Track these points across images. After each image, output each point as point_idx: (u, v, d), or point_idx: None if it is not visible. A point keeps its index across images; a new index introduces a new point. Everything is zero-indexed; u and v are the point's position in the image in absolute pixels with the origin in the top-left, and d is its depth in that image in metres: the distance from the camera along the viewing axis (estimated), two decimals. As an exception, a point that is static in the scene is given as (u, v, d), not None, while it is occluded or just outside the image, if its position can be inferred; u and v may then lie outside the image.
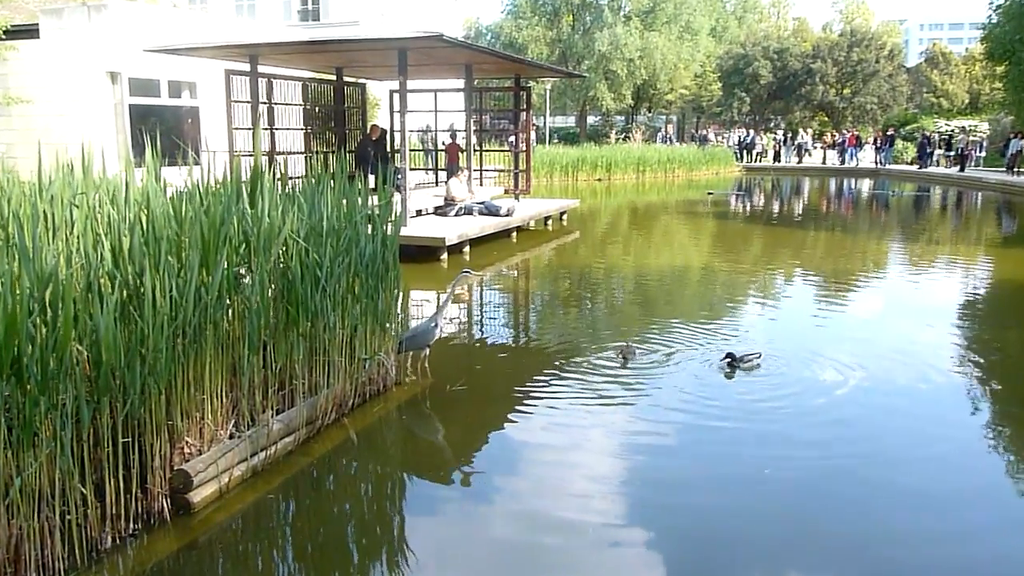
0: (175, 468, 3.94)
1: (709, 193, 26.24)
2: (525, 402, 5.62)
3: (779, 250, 13.35)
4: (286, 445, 4.64)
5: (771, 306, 8.78)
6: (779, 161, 39.49)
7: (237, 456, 4.23)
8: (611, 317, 8.49)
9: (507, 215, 14.72)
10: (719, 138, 41.92)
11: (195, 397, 4.15)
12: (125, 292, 3.91)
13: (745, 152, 39.93)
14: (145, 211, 4.34)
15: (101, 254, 4.00)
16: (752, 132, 41.58)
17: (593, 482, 4.25)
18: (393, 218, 5.86)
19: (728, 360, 6.12)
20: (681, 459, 4.58)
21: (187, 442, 4.09)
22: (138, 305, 3.86)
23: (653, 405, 5.46)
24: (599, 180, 31.55)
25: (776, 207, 22.43)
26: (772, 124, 49.14)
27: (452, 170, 17.52)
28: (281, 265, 4.90)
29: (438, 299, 9.29)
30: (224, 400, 4.35)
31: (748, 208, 22.11)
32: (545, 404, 5.57)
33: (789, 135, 41.23)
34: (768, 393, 5.58)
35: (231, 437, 4.31)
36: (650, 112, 49.85)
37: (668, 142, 40.13)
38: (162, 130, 14.43)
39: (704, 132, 43.15)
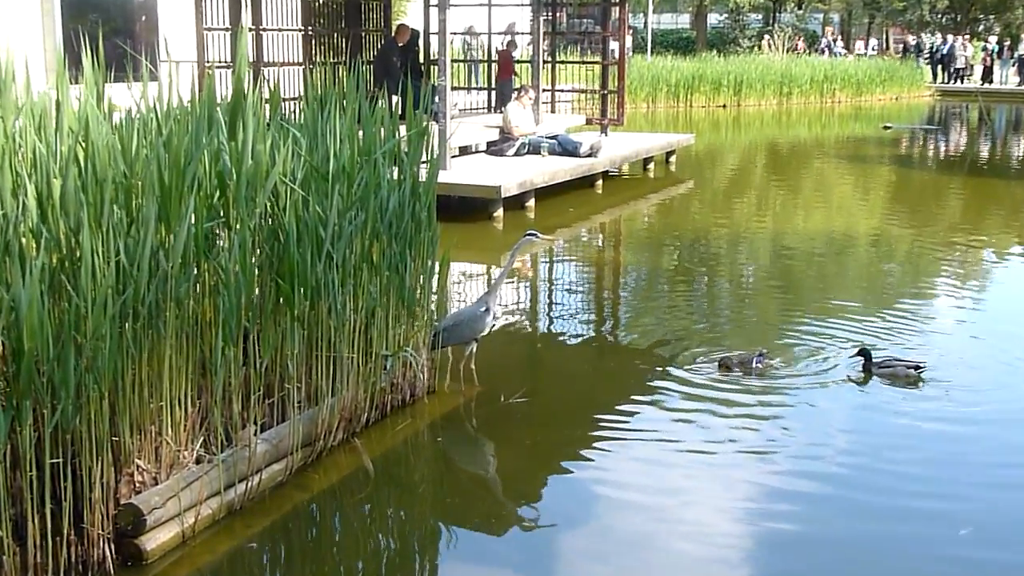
0: (122, 502, 3.99)
1: (886, 127, 25.82)
2: (609, 425, 5.76)
3: (988, 213, 13.39)
4: (274, 475, 4.74)
5: (972, 297, 8.88)
6: (990, 81, 38.55)
7: (207, 488, 4.29)
8: (737, 306, 8.71)
9: (589, 155, 14.77)
10: (905, 47, 40.79)
11: (150, 404, 4.22)
12: (55, 256, 3.97)
13: (941, 68, 38.84)
14: (83, 144, 4.30)
15: (23, 203, 4.00)
16: (952, 39, 40.28)
17: (701, 543, 4.33)
18: (428, 158, 6.01)
19: (860, 358, 6.35)
20: (825, 514, 4.62)
21: (139, 466, 4.14)
22: (73, 274, 3.91)
23: (788, 435, 5.55)
24: (723, 107, 31.21)
25: (985, 150, 22.19)
26: (981, 27, 47.64)
27: (507, 90, 17.53)
28: (270, 221, 5.00)
29: (490, 274, 9.59)
30: (190, 409, 4.43)
31: (943, 150, 21.93)
32: (637, 429, 5.70)
33: (1006, 44, 39.86)
34: (949, 425, 5.66)
35: (199, 461, 4.38)
36: (800, 8, 48.83)
37: (834, 53, 39.05)
38: (106, 31, 14.56)
39: (901, 40, 41.78)
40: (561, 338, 7.76)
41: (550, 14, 17.97)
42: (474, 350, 6.25)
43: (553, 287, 9.68)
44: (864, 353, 6.39)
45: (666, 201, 14.96)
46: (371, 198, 5.41)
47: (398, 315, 5.73)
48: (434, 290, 6.18)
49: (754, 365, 6.41)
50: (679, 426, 5.72)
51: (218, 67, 11.17)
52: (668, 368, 6.64)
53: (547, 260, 10.66)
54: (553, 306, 8.93)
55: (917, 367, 6.31)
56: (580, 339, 7.71)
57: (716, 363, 6.53)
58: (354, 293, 5.33)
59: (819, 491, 4.84)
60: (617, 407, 6.04)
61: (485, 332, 6.29)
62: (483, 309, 6.15)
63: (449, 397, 6.09)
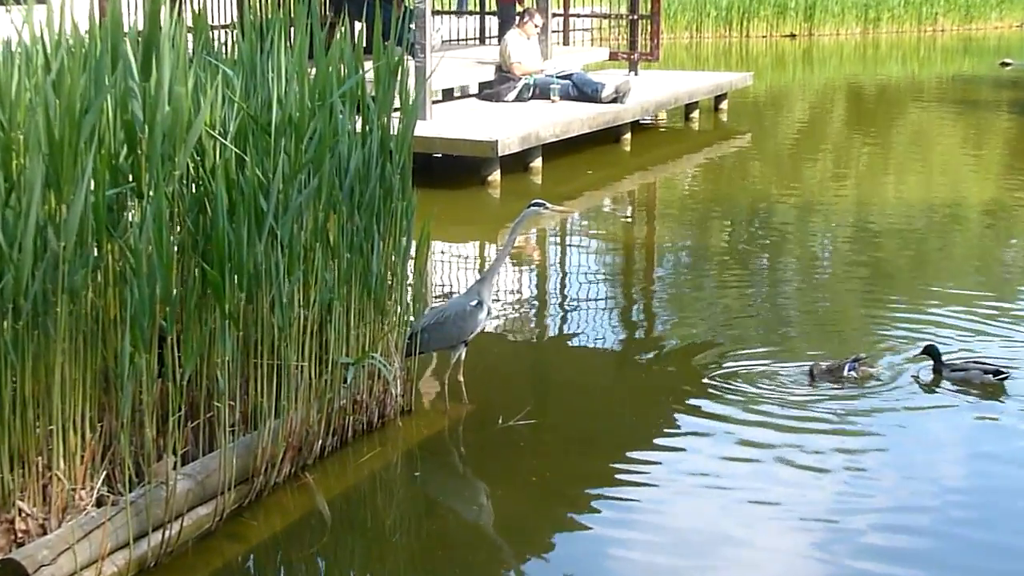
0: (1, 556, 4.00)
1: (1004, 64, 25.83)
2: (639, 458, 5.82)
3: None
4: (200, 521, 4.75)
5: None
6: None
7: (111, 538, 4.26)
8: (809, 300, 8.84)
9: (614, 101, 14.84)
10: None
11: (36, 429, 4.23)
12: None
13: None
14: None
15: None
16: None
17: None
18: (402, 104, 6.08)
19: (927, 356, 6.65)
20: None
21: (21, 510, 4.14)
22: (-68, 257, 3.87)
23: (882, 474, 5.60)
24: (791, 37, 31.22)
25: None
26: None
27: (507, 16, 17.58)
28: (194, 188, 5.07)
29: (483, 257, 9.79)
30: (88, 436, 4.43)
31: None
32: (676, 464, 5.75)
33: None
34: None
35: (101, 504, 4.38)
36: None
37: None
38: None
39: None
40: (576, 342, 7.85)
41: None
42: (462, 357, 6.32)
43: (566, 275, 9.76)
44: (931, 352, 6.65)
45: (715, 161, 14.99)
46: (327, 157, 5.44)
47: (363, 311, 5.79)
48: (410, 278, 6.28)
49: (846, 373, 6.55)
50: (731, 462, 5.75)
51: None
52: (717, 383, 6.72)
53: (558, 239, 10.74)
54: (566, 300, 9.03)
55: (998, 372, 6.48)
56: (601, 344, 7.80)
57: (773, 375, 6.71)
58: (304, 282, 5.40)
59: (928, 550, 4.88)
60: (649, 434, 6.12)
61: (476, 333, 6.35)
62: (474, 303, 6.24)
63: (430, 418, 6.18)
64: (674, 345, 7.68)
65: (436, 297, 8.37)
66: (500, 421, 6.10)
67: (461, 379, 6.35)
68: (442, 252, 9.71)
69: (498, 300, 8.25)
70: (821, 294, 9.04)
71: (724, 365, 7.02)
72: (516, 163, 12.39)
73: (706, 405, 6.46)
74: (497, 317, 7.90)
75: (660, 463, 5.82)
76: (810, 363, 6.78)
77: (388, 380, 5.90)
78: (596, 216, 11.65)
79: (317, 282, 5.47)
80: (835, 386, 6.57)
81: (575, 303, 8.92)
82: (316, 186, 5.42)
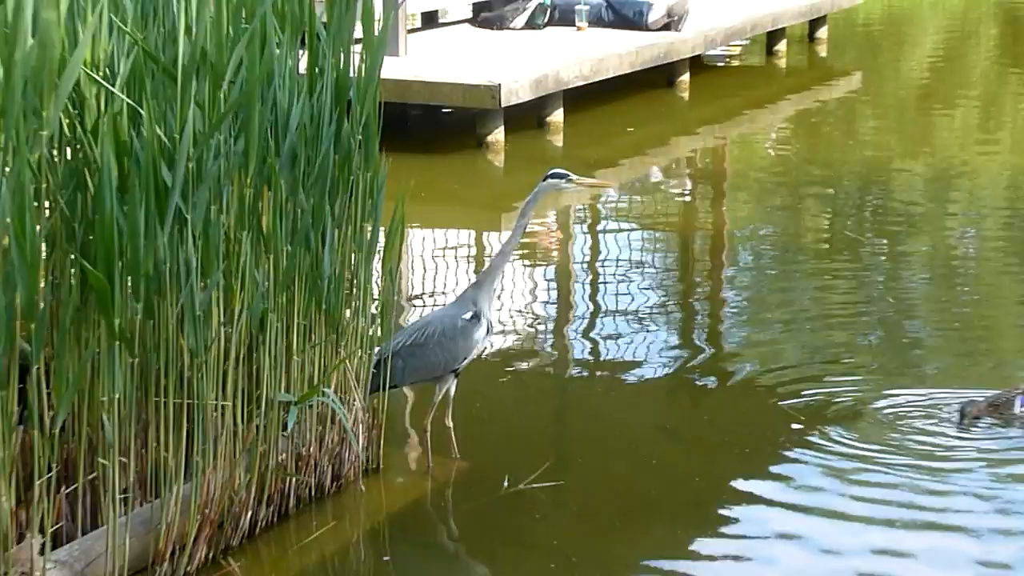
0: None
1: None
2: (709, 538, 5.83)
3: None
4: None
5: None
6: None
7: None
8: (945, 305, 8.87)
9: (666, 27, 14.97)
10: None
11: None
12: None
13: None
14: None
15: None
16: None
17: None
18: (366, 32, 6.15)
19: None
20: None
21: None
22: None
23: None
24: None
25: None
26: None
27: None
28: (69, 153, 5.13)
29: (481, 250, 9.81)
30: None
31: None
32: (764, 545, 5.81)
33: None
34: None
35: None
36: None
37: None
38: None
39: None
40: (613, 372, 7.88)
41: None
42: (452, 393, 6.39)
43: (598, 276, 9.78)
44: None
45: (810, 113, 15.00)
46: (256, 108, 5.43)
47: (310, 328, 5.87)
48: (378, 281, 6.39)
49: (1018, 410, 6.62)
50: (842, 544, 5.75)
51: None
52: (815, 426, 6.74)
53: (587, 226, 10.75)
54: (599, 312, 9.06)
55: None
56: (648, 373, 7.82)
57: (902, 416, 6.76)
58: (227, 287, 5.46)
59: None
60: (719, 502, 6.14)
61: (472, 358, 6.44)
62: (468, 316, 6.34)
63: (405, 480, 6.31)
64: (751, 372, 7.72)
65: (415, 307, 8.45)
66: (506, 484, 6.18)
67: (450, 424, 6.36)
68: (423, 244, 9.76)
69: (502, 311, 8.33)
70: (964, 300, 9.06)
71: (825, 400, 7.04)
72: (527, 117, 12.40)
73: (800, 459, 6.50)
74: (501, 335, 7.96)
75: (734, 544, 5.85)
76: (960, 397, 6.83)
77: (346, 426, 5.94)
78: (641, 192, 11.65)
79: (245, 287, 5.51)
80: (997, 429, 6.61)
81: (611, 316, 8.93)
82: (242, 150, 5.46)
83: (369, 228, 6.19)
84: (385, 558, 5.82)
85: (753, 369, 7.81)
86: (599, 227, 10.74)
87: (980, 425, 6.66)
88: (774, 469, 6.51)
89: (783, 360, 7.82)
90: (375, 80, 6.09)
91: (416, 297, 9.09)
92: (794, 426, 6.83)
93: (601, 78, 13.41)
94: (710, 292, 9.63)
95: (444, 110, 12.39)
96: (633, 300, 9.27)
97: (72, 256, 5.07)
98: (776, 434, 6.84)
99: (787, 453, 6.61)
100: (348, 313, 6.08)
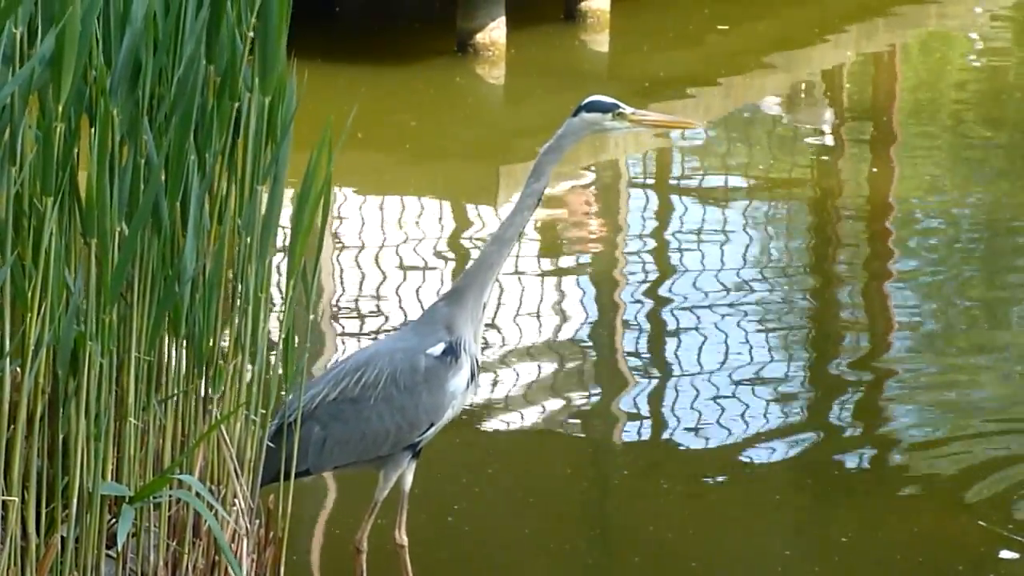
0: None
1: None
2: None
3: None
4: None
5: None
6: None
7: None
8: None
9: None
10: None
11: None
12: None
13: None
14: None
15: None
16: None
17: None
18: None
19: None
20: None
21: None
22: None
23: None
24: None
25: None
26: None
27: None
28: None
29: (462, 228, 8.77)
30: None
31: None
32: None
33: None
34: None
35: None
36: None
37: None
38: None
39: None
40: (695, 465, 6.79)
41: None
42: (406, 486, 5.35)
43: (667, 283, 8.27)
44: None
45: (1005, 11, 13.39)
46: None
47: (157, 369, 4.96)
48: (279, 286, 5.95)
49: None
50: None
51: None
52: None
53: (650, 193, 9.05)
54: (663, 353, 7.71)
55: None
56: (754, 455, 6.74)
57: None
58: (15, 295, 4.56)
59: None
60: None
61: (444, 422, 5.39)
62: (437, 349, 5.34)
63: None
64: (922, 438, 6.80)
65: (346, 333, 7.38)
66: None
67: (402, 542, 5.24)
68: (362, 224, 8.43)
69: (498, 339, 7.35)
70: None
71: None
72: (548, 1, 10.85)
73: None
74: (495, 383, 7.00)
75: None
76: None
77: (220, 542, 4.84)
78: (744, 138, 10.12)
79: (47, 296, 4.59)
80: None
81: (688, 355, 7.62)
82: (47, 56, 4.62)
83: (266, 193, 5.02)
84: None
85: (924, 435, 6.83)
86: (672, 197, 9.19)
87: None
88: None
89: (971, 417, 6.85)
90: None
91: (347, 314, 7.83)
92: (1004, 554, 5.66)
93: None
94: (859, 307, 8.29)
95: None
96: (728, 337, 7.80)
97: None
98: (968, 543, 5.89)
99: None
100: (226, 342, 5.04)
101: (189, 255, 4.72)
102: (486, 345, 7.24)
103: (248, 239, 4.99)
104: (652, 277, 8.27)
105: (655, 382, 7.54)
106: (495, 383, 7.18)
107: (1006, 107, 10.74)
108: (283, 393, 5.21)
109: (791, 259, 8.65)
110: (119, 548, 4.65)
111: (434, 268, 8.55)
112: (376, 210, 8.68)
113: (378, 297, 8.07)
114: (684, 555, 6.23)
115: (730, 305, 8.34)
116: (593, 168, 8.70)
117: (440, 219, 8.96)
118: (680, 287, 8.22)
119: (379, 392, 5.22)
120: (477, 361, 5.32)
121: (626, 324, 7.93)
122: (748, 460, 6.86)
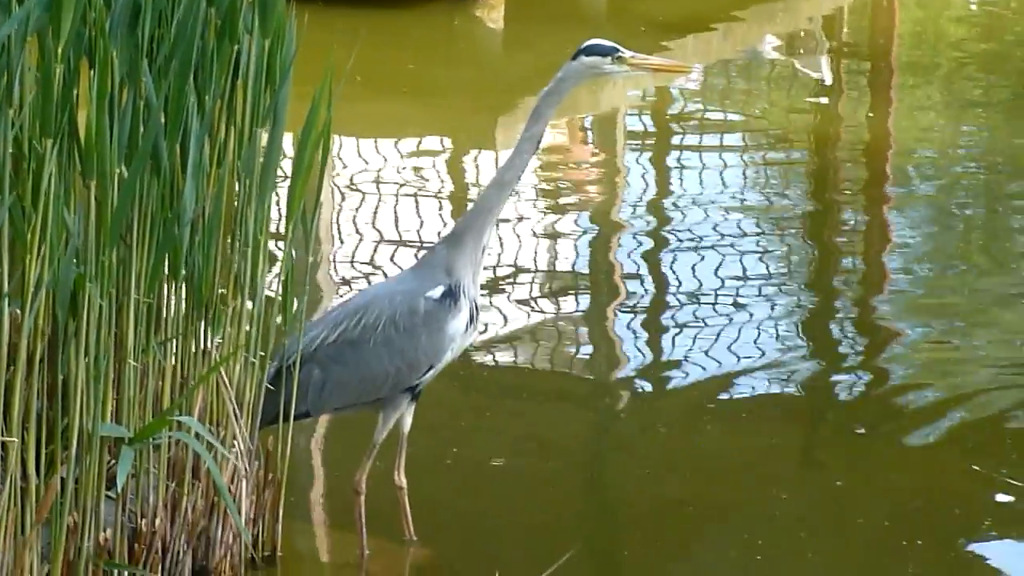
0: None
1: None
2: None
3: None
4: None
5: None
6: None
7: None
8: None
9: None
10: None
11: None
12: None
13: None
14: None
15: None
16: None
17: None
18: None
19: None
20: None
21: None
22: None
23: None
24: None
25: None
26: None
27: None
28: None
29: (460, 181, 8.93)
30: None
31: None
32: None
33: None
34: None
35: None
36: None
37: None
38: None
39: None
40: (686, 402, 6.77)
41: None
42: (406, 427, 5.29)
43: (665, 234, 8.39)
44: None
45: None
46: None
47: (157, 311, 4.94)
48: (279, 229, 6.06)
49: None
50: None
51: None
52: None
53: (648, 141, 9.39)
54: (664, 299, 7.80)
55: None
56: (748, 407, 6.67)
57: None
58: (14, 236, 4.58)
59: None
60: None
61: (443, 364, 5.35)
62: (436, 292, 5.30)
63: None
64: (919, 383, 6.74)
65: (344, 277, 7.48)
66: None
67: (402, 483, 5.19)
68: (362, 167, 8.65)
69: (494, 285, 7.39)
70: None
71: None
72: None
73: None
74: (495, 324, 6.96)
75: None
76: None
77: (218, 483, 4.85)
78: (744, 82, 10.21)
79: (45, 238, 4.61)
80: None
81: (686, 306, 7.62)
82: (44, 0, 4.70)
83: (266, 136, 5.05)
84: None
85: (930, 400, 6.60)
86: (672, 144, 9.23)
87: None
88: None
89: (979, 386, 6.62)
90: None
91: (347, 259, 7.88)
92: (1000, 498, 5.62)
93: None
94: (860, 261, 8.25)
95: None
96: (724, 282, 7.82)
97: None
98: (969, 510, 5.70)
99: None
100: (225, 284, 5.02)
101: (189, 197, 4.75)
102: (485, 288, 7.29)
103: (248, 181, 5.04)
104: (649, 235, 8.22)
105: (654, 323, 7.58)
106: (493, 325, 7.24)
107: (1005, 53, 10.74)
108: (283, 335, 5.36)
109: (789, 200, 8.56)
110: (119, 489, 4.66)
111: (430, 211, 8.44)
112: (371, 153, 8.72)
113: (375, 239, 7.96)
114: (680, 499, 6.08)
115: (724, 256, 8.05)
116: (588, 115, 8.78)
117: (436, 164, 9.01)
118: (672, 253, 8.03)
119: (379, 334, 5.24)
120: (476, 304, 5.34)
121: (616, 284, 7.79)
122: (744, 403, 6.80)
